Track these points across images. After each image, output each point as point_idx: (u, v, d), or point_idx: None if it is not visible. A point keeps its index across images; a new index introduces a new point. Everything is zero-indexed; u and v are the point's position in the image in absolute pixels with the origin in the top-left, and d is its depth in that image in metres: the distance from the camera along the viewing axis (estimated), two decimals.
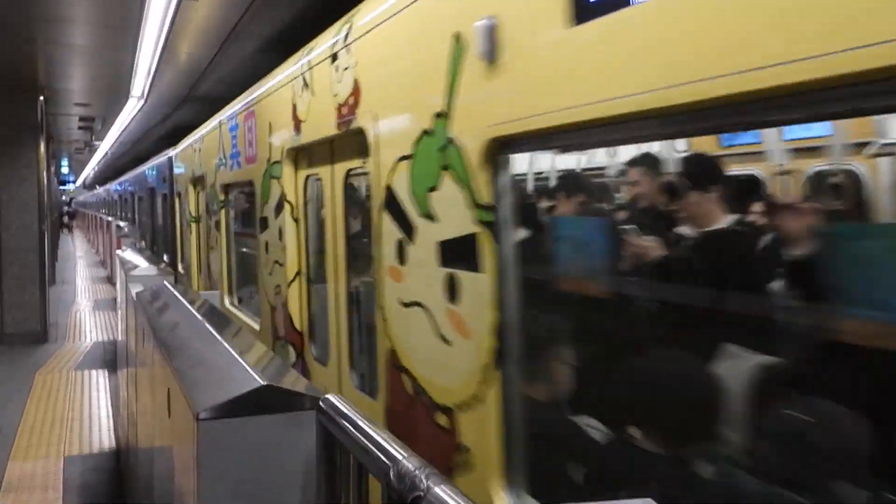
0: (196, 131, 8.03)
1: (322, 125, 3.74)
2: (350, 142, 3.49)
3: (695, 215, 3.13)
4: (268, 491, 1.88)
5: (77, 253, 26.34)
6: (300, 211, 4.40)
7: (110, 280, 15.94)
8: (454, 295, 2.47)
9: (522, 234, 2.36)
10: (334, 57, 3.49)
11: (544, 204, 3.90)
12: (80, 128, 14.23)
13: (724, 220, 3.06)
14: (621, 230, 3.33)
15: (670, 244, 3.10)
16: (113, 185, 25.59)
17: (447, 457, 2.49)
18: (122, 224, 15.80)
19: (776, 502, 1.97)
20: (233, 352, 2.37)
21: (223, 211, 6.72)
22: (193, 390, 2.04)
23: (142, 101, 9.93)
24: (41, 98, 10.05)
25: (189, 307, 3.44)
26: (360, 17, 3.25)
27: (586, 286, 2.69)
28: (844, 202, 3.50)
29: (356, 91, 3.24)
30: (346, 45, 3.35)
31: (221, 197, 6.64)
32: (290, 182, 4.40)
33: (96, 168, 29.03)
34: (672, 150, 3.57)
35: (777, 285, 2.67)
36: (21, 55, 7.83)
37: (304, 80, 3.97)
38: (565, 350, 2.68)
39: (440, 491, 1.27)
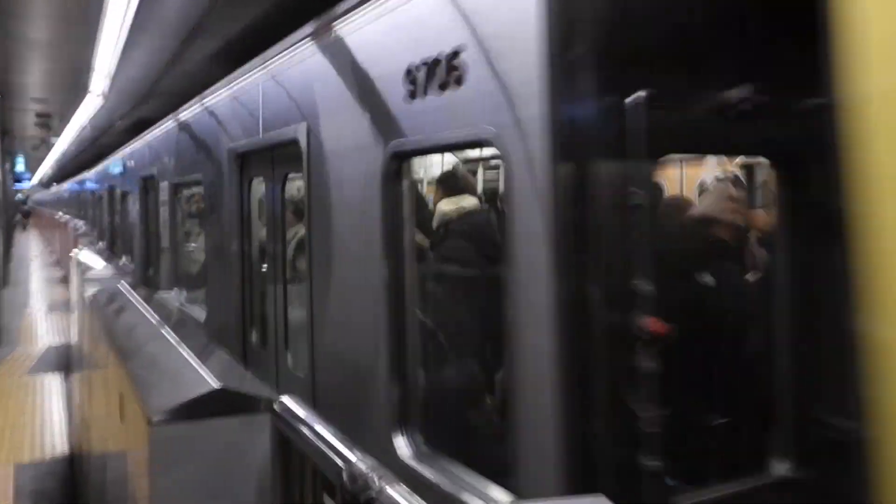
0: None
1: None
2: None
3: None
4: (223, 494, 1.87)
5: (32, 253, 25.75)
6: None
7: (66, 281, 15.63)
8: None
9: None
10: None
11: None
12: (36, 124, 13.94)
13: None
14: None
15: None
16: (70, 184, 25.09)
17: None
18: (79, 223, 15.50)
19: None
20: (187, 355, 2.35)
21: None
22: (146, 394, 2.01)
23: (101, 98, 9.76)
24: None
25: (145, 310, 3.39)
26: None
27: None
28: None
29: None
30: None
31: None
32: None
33: (54, 166, 28.44)
34: None
35: None
36: None
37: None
38: None
39: (392, 491, 1.27)
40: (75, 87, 9.41)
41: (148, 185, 7.89)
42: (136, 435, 2.06)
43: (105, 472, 3.16)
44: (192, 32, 6.15)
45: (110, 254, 10.87)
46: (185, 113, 6.22)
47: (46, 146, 18.53)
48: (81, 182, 21.74)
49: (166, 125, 7.15)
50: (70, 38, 6.91)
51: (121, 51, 6.93)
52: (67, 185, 28.50)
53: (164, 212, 6.89)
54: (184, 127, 6.19)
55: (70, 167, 28.04)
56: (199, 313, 4.72)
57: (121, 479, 2.52)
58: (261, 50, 4.24)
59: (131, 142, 11.24)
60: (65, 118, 12.94)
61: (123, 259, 10.38)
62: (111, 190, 13.17)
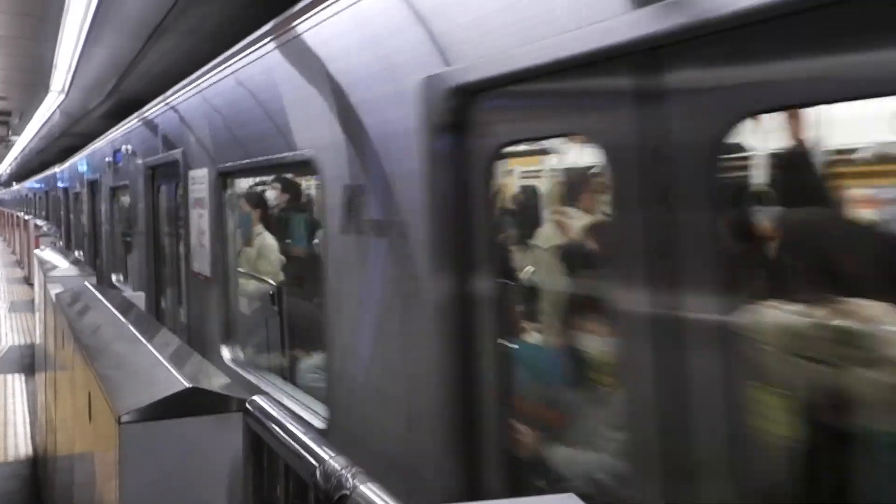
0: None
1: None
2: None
3: None
4: (194, 495, 1.86)
5: None
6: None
7: (27, 281, 15.30)
8: None
9: None
10: None
11: None
12: None
13: None
14: None
15: None
16: (33, 182, 24.71)
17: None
18: (40, 223, 15.21)
19: None
20: (157, 354, 2.33)
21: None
22: (115, 393, 2.00)
23: (63, 96, 9.57)
24: None
25: (112, 309, 3.36)
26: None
27: None
28: None
29: None
30: None
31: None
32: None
33: (14, 164, 27.80)
34: None
35: None
36: None
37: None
38: None
39: (366, 489, 1.28)
40: (35, 85, 9.22)
41: (94, 188, 10.14)
42: (104, 435, 2.05)
43: (72, 473, 3.13)
44: (154, 31, 6.08)
45: (67, 248, 12.12)
46: (116, 132, 8.39)
47: (6, 145, 18.12)
48: (40, 182, 21.46)
49: (106, 138, 9.24)
50: (31, 34, 6.78)
51: (81, 47, 6.82)
52: (27, 185, 27.97)
53: (105, 210, 9.12)
54: (115, 142, 8.30)
55: (30, 166, 27.46)
56: (130, 289, 6.96)
57: (88, 480, 2.50)
58: (222, 51, 4.28)
59: (83, 149, 12.20)
60: (25, 116, 12.67)
61: (76, 252, 11.48)
62: (65, 190, 13.81)
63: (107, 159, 8.59)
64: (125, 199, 8.06)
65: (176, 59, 6.81)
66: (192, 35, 6.08)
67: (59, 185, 16.09)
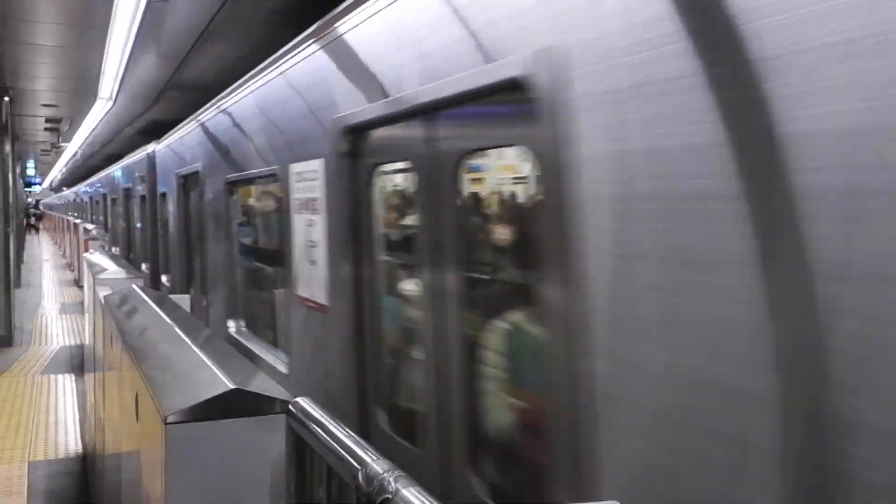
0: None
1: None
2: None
3: None
4: (237, 495, 1.88)
5: (43, 256, 25.89)
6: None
7: (77, 283, 15.70)
8: None
9: None
10: None
11: None
12: (46, 129, 14.01)
13: None
14: None
15: None
16: (84, 187, 25.18)
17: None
18: (89, 226, 15.56)
19: None
20: (202, 355, 2.36)
21: None
22: (162, 394, 2.03)
23: (111, 103, 9.80)
24: (6, 98, 9.88)
25: (158, 311, 3.42)
26: None
27: None
28: None
29: None
30: None
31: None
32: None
33: (64, 170, 28.57)
34: None
35: None
36: None
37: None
38: None
39: (408, 493, 1.28)
40: (84, 92, 9.45)
41: (129, 194, 11.19)
42: (150, 434, 2.08)
43: (119, 471, 3.19)
44: (198, 38, 6.18)
45: (111, 245, 12.93)
46: (151, 145, 9.33)
47: (56, 151, 18.62)
48: (89, 186, 21.92)
49: (141, 152, 9.95)
50: (79, 43, 6.96)
51: (128, 55, 6.97)
52: (75, 190, 28.68)
53: (142, 213, 10.05)
54: (150, 154, 9.30)
55: (79, 172, 28.19)
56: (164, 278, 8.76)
57: (135, 478, 2.54)
58: (265, 56, 4.34)
59: (123, 158, 12.75)
60: (74, 123, 13.00)
61: (115, 248, 12.67)
62: (105, 196, 14.47)
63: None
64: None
65: (221, 62, 6.92)
66: (236, 39, 6.17)
67: (97, 191, 16.39)
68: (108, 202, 16.01)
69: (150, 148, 9.36)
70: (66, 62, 7.93)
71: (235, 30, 5.92)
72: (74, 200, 28.52)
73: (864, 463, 1.13)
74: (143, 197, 10.01)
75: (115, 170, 13.87)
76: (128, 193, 12.13)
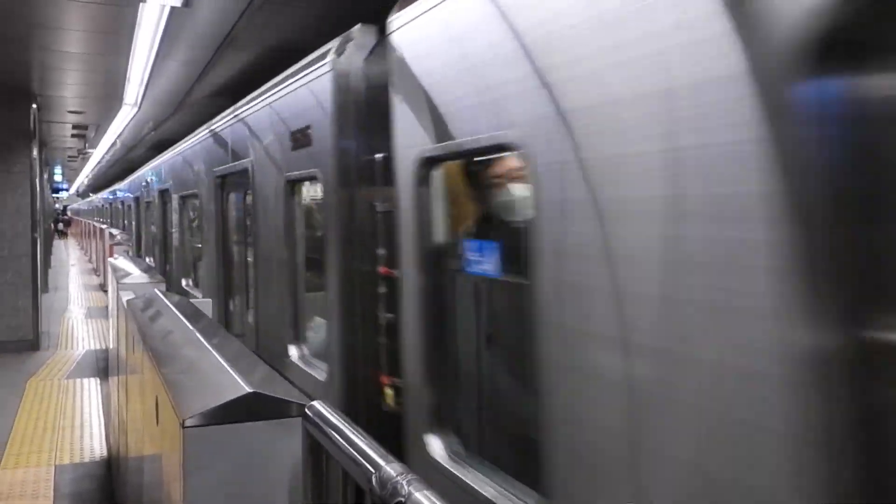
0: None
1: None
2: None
3: None
4: (254, 498, 1.89)
5: (70, 260, 26.27)
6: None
7: (102, 288, 15.91)
8: None
9: None
10: None
11: None
12: (73, 135, 14.21)
13: None
14: None
15: None
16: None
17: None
18: (115, 231, 15.77)
19: None
20: (221, 359, 2.38)
21: None
22: (180, 397, 2.04)
23: (135, 109, 9.92)
24: (34, 105, 10.04)
25: (180, 315, 3.45)
26: None
27: None
28: None
29: None
30: None
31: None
32: None
33: (90, 176, 28.98)
34: None
35: None
36: (15, 62, 7.82)
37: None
38: None
39: (421, 496, 1.28)
40: (110, 98, 9.58)
41: (164, 197, 10.35)
42: (170, 438, 2.10)
43: (141, 474, 3.22)
44: (221, 44, 6.24)
45: (136, 249, 13.22)
46: (184, 145, 8.63)
47: (83, 157, 18.89)
48: (113, 192, 22.23)
49: (173, 152, 9.51)
50: (105, 49, 7.05)
51: (153, 61, 7.05)
52: (102, 195, 29.08)
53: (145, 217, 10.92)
54: (184, 155, 8.54)
55: (104, 177, 28.58)
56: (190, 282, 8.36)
57: (156, 481, 2.56)
58: (294, 55, 4.33)
59: (149, 162, 12.85)
60: (100, 129, 13.18)
61: (141, 251, 13.00)
62: (136, 200, 14.65)
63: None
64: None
65: (244, 68, 6.98)
66: (259, 45, 6.23)
67: (123, 196, 16.55)
68: (123, 208, 16.54)
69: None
70: (92, 69, 8.04)
71: (257, 37, 5.97)
72: (100, 206, 28.92)
73: None
74: (148, 203, 11.08)
75: (125, 184, 14.36)
76: (136, 201, 13.10)
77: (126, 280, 5.15)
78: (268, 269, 4.74)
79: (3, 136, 9.87)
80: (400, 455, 1.83)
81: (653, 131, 1.50)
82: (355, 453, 1.58)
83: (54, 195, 33.75)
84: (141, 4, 5.31)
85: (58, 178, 29.07)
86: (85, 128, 13.07)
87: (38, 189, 10.95)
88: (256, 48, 6.38)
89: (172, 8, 5.27)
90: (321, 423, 1.78)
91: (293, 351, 4.23)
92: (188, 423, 1.84)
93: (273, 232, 4.56)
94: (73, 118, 12.05)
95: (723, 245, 1.33)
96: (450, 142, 2.42)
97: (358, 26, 3.46)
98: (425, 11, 2.59)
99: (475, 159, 2.66)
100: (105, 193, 26.30)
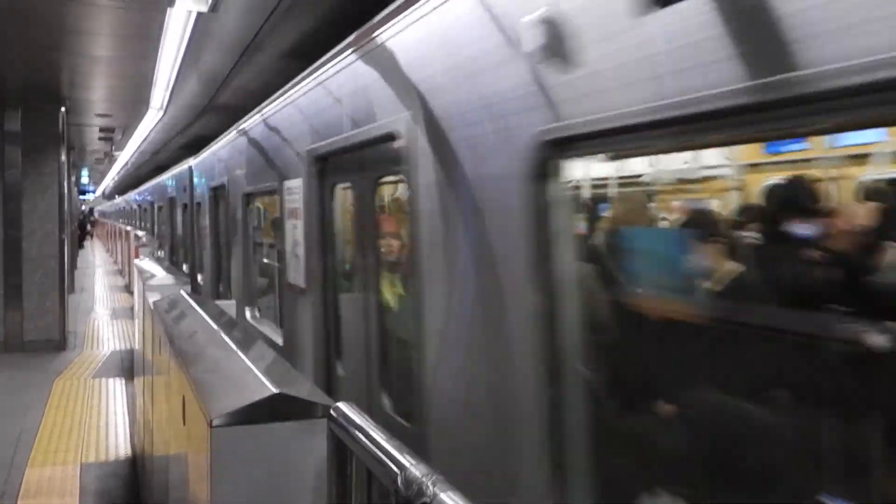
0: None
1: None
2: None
3: None
4: (280, 497, 1.91)
5: (96, 262, 26.60)
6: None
7: (128, 289, 16.09)
8: None
9: None
10: None
11: None
12: (100, 138, 14.40)
13: None
14: None
15: None
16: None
17: None
18: (140, 233, 15.97)
19: None
20: (247, 360, 2.40)
21: None
22: (208, 398, 2.07)
23: (161, 112, 10.04)
24: (63, 108, 10.20)
25: (205, 316, 3.48)
26: None
27: None
28: None
29: None
30: None
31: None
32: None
33: (115, 178, 29.34)
34: None
35: None
36: (44, 66, 7.95)
37: None
38: None
39: (446, 497, 1.29)
40: (136, 102, 9.70)
41: (172, 203, 12.23)
42: (197, 438, 2.12)
43: (167, 473, 3.25)
44: (246, 49, 6.31)
45: (158, 247, 14.45)
46: (192, 160, 10.13)
47: (109, 160, 19.12)
48: (139, 195, 22.57)
49: (184, 165, 10.90)
50: (132, 53, 7.14)
51: (179, 66, 7.14)
52: (126, 198, 29.48)
53: (185, 221, 11.11)
54: (194, 168, 9.87)
55: (130, 180, 28.93)
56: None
57: (182, 480, 2.59)
58: (317, 57, 4.39)
59: (167, 171, 13.94)
60: (127, 132, 13.34)
61: (161, 252, 14.00)
62: (152, 204, 15.51)
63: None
64: None
65: (269, 72, 7.05)
66: (283, 48, 6.28)
67: (146, 200, 16.95)
68: (143, 211, 17.30)
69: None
70: (119, 72, 8.15)
71: (282, 39, 6.02)
72: (124, 208, 29.33)
73: None
74: (160, 207, 12.16)
75: (147, 188, 14.97)
76: (152, 205, 14.33)
77: (152, 281, 5.22)
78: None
79: (33, 139, 10.04)
80: None
81: None
82: (380, 454, 1.59)
83: (81, 196, 34.20)
84: (168, 9, 5.39)
85: (84, 180, 29.46)
86: (112, 131, 13.24)
87: (65, 191, 11.11)
88: (280, 51, 6.43)
89: (199, 13, 5.34)
90: (346, 424, 1.80)
91: None
92: (216, 422, 1.86)
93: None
94: (100, 121, 12.22)
95: None
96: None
97: None
98: None
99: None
100: (133, 195, 26.63)
